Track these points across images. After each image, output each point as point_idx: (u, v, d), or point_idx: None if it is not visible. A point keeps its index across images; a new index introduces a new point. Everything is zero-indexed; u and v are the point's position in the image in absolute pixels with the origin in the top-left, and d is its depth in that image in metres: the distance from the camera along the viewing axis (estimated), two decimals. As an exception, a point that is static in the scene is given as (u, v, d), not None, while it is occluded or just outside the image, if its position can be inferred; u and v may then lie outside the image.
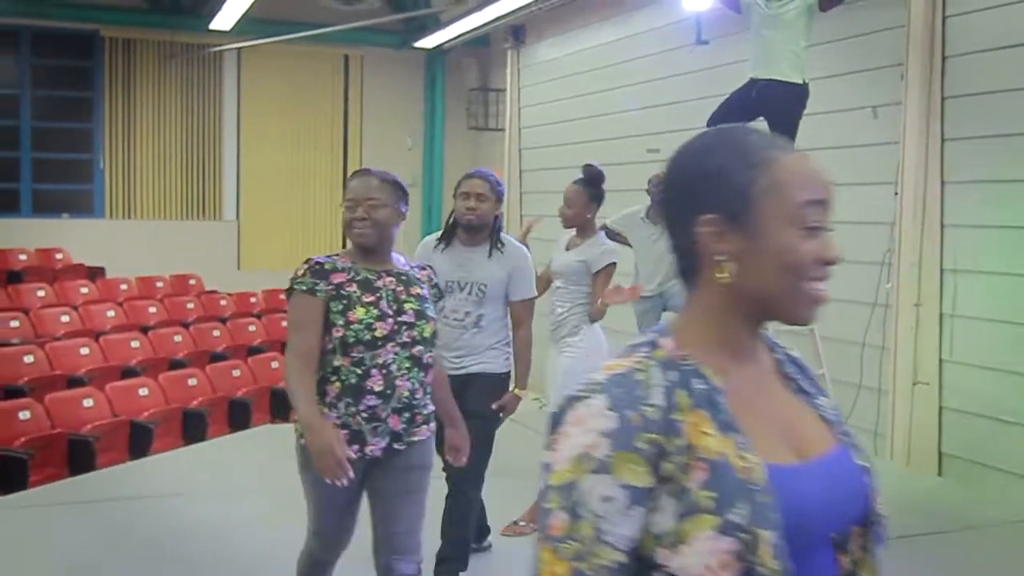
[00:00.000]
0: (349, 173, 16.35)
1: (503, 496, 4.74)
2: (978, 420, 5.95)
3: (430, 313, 3.15)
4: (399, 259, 3.22)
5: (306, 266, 3.07)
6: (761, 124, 6.34)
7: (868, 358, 6.60)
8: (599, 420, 1.17)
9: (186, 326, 10.20)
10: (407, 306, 3.08)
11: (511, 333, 4.24)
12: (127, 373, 8.36)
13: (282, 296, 13.59)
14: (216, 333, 10.24)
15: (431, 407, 3.21)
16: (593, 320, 4.83)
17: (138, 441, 6.94)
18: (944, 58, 6.13)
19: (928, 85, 6.14)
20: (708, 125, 6.52)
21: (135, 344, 9.32)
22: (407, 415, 3.08)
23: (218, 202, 13.25)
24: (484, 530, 4.63)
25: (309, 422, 2.92)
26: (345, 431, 3.00)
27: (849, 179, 6.94)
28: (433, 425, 3.24)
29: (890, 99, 6.50)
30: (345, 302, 3.01)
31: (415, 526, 3.17)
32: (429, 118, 13.99)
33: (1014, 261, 5.77)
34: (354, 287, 3.04)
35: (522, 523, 4.87)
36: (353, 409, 3.02)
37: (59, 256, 11.84)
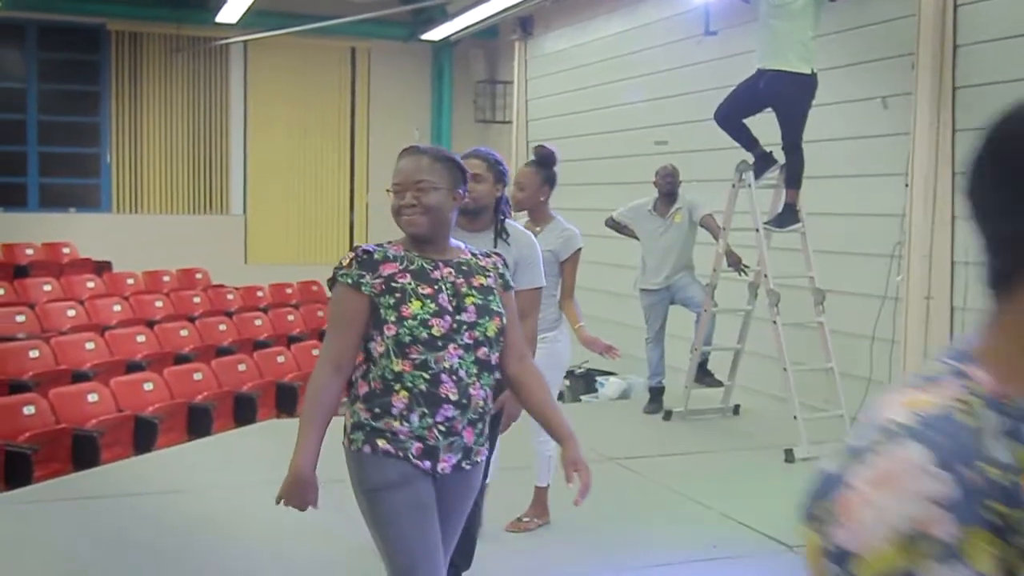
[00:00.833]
0: (356, 166, 16.28)
1: (505, 493, 4.70)
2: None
3: (495, 307, 2.74)
4: (459, 245, 2.84)
5: (352, 255, 2.70)
6: (768, 115, 6.29)
7: (878, 352, 6.54)
8: (925, 481, 0.85)
9: (192, 320, 10.17)
10: (468, 301, 2.69)
11: None
12: (132, 368, 8.33)
13: (288, 291, 13.52)
14: (222, 327, 10.21)
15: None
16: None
17: (143, 436, 6.91)
18: (955, 47, 6.05)
19: (939, 75, 6.07)
20: (715, 116, 6.47)
21: (141, 339, 9.29)
22: (480, 427, 2.74)
23: (225, 196, 13.22)
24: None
25: (298, 464, 2.63)
26: (419, 444, 2.64)
27: (859, 171, 6.89)
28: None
29: (900, 89, 6.44)
30: (398, 295, 2.63)
31: (451, 545, 2.89)
32: (436, 110, 13.93)
33: (1026, 253, 5.70)
34: (408, 278, 2.66)
35: (526, 519, 4.82)
36: (430, 421, 2.63)
37: (66, 250, 11.82)
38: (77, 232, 12.07)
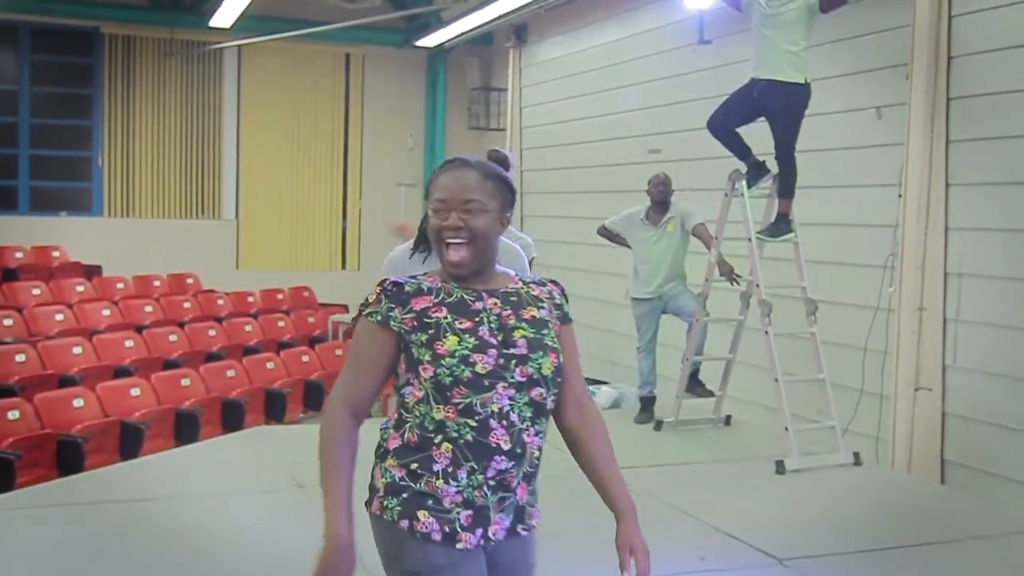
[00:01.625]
0: (349, 172, 16.28)
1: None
2: (982, 427, 5.87)
3: (550, 342, 2.33)
4: (507, 272, 2.45)
5: (379, 289, 2.31)
6: (761, 124, 6.26)
7: (870, 363, 6.52)
8: None
9: (182, 325, 10.13)
10: (516, 334, 2.29)
11: None
12: (120, 373, 8.29)
13: (279, 297, 13.47)
14: (212, 333, 10.18)
15: None
16: None
17: (129, 442, 6.86)
18: (950, 58, 6.05)
19: (933, 86, 6.06)
20: (708, 125, 6.45)
21: (129, 343, 9.25)
22: (533, 484, 2.33)
23: (217, 201, 13.19)
24: None
25: (335, 533, 2.15)
26: (468, 511, 2.22)
27: (852, 181, 6.87)
28: None
29: (895, 100, 6.43)
30: (432, 331, 2.24)
31: None
32: (430, 117, 13.92)
33: (1019, 265, 5.69)
34: (443, 311, 2.27)
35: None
36: (480, 478, 2.21)
37: (56, 254, 11.79)
38: (68, 236, 12.04)
